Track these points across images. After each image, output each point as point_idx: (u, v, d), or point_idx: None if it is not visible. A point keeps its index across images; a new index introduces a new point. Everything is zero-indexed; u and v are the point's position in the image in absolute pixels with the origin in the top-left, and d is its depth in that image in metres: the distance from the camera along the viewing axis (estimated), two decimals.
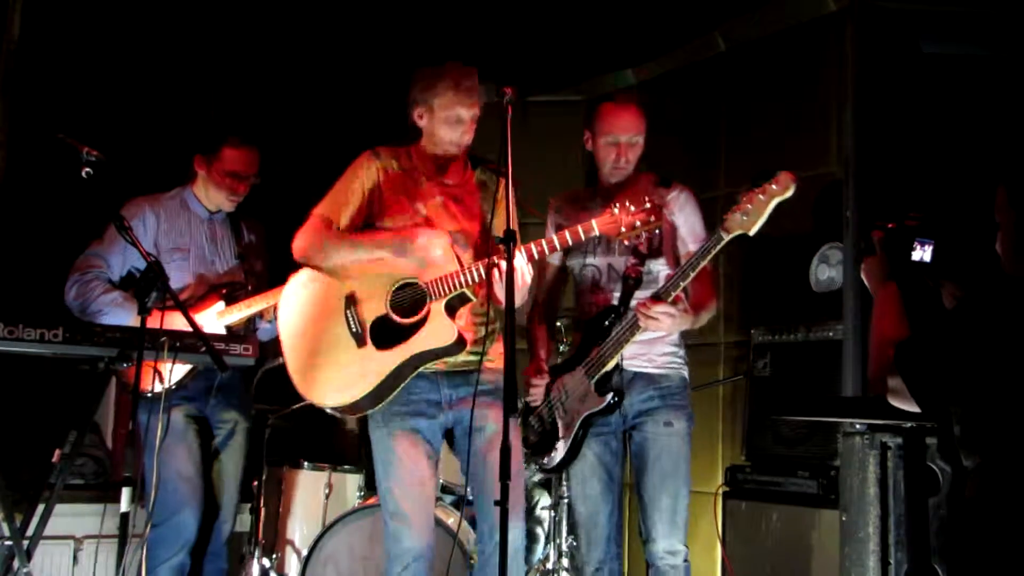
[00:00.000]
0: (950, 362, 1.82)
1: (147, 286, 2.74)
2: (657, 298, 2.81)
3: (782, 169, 2.67)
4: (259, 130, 3.74)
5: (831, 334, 3.37)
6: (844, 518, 2.95)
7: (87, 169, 2.67)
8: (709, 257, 2.78)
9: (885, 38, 3.07)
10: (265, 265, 3.55)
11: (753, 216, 2.68)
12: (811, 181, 4.00)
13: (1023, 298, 1.82)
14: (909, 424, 2.58)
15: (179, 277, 3.23)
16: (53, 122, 3.17)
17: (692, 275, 2.80)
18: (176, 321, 2.90)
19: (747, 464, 3.63)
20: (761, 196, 2.67)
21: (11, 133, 4.07)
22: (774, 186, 2.66)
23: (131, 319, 3.03)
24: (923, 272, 2.15)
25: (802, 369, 3.49)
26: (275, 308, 3.29)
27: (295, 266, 3.39)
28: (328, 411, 2.81)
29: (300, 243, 2.83)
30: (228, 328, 3.26)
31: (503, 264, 2.50)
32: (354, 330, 2.74)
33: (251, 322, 3.38)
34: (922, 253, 2.15)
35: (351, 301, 2.77)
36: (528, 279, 2.66)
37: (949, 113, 3.16)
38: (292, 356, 2.81)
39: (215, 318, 3.24)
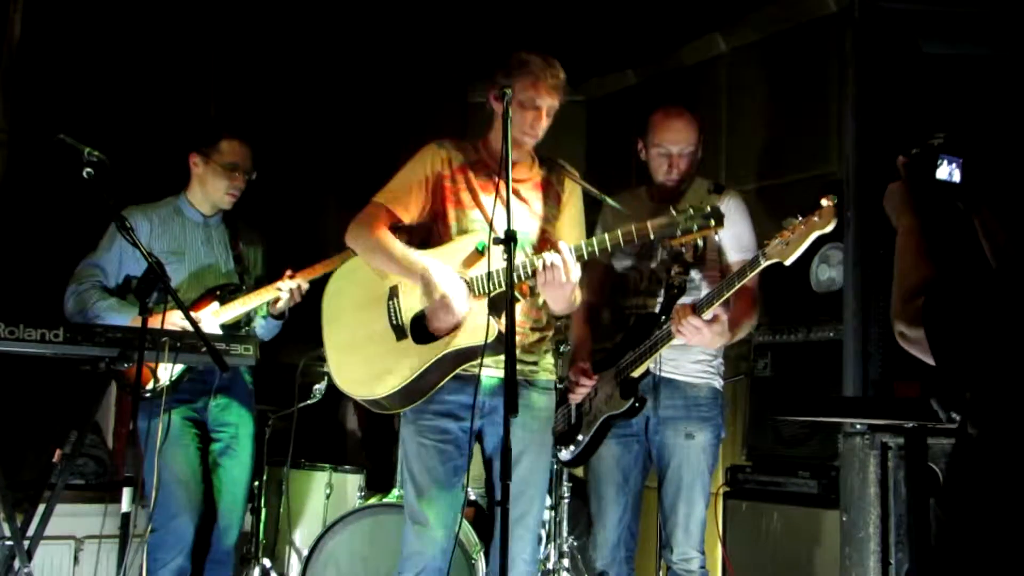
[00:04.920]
0: (984, 335, 1.65)
1: (148, 287, 2.74)
2: (694, 310, 2.80)
3: (824, 199, 2.68)
4: (258, 129, 3.75)
5: (831, 334, 3.37)
6: (844, 518, 2.94)
7: (88, 169, 2.66)
8: (745, 279, 2.78)
9: (886, 38, 3.07)
10: (264, 265, 3.56)
11: (792, 246, 2.69)
12: (811, 181, 4.03)
13: None
14: (910, 424, 2.58)
15: (174, 280, 3.22)
16: (54, 122, 3.18)
17: (727, 294, 2.80)
18: (175, 321, 2.92)
19: (748, 464, 3.63)
20: (803, 227, 2.67)
21: (12, 133, 4.08)
22: (816, 218, 2.67)
23: (128, 323, 3.05)
24: (951, 194, 1.92)
25: (802, 369, 3.49)
26: (273, 303, 3.32)
27: (293, 265, 3.40)
28: (361, 402, 2.75)
29: (352, 232, 2.72)
30: (223, 327, 3.26)
31: (564, 252, 2.49)
32: (395, 323, 2.67)
33: (247, 322, 3.37)
34: (949, 170, 1.92)
35: (394, 293, 2.69)
36: (576, 277, 2.57)
37: (950, 113, 3.16)
38: (331, 340, 2.74)
39: (211, 317, 3.25)
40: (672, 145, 3.03)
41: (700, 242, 2.98)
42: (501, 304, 2.57)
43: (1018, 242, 1.76)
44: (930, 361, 1.74)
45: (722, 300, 2.82)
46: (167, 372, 3.12)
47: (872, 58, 3.04)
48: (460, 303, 2.56)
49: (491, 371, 2.61)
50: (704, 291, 2.95)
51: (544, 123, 2.74)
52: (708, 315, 2.81)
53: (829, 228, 2.67)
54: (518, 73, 2.68)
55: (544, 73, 2.68)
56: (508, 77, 2.69)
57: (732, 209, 3.02)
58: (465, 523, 3.57)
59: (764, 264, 2.74)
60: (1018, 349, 1.61)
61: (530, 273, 2.57)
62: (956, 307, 1.69)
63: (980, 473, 1.66)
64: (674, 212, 2.58)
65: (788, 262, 2.72)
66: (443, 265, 2.61)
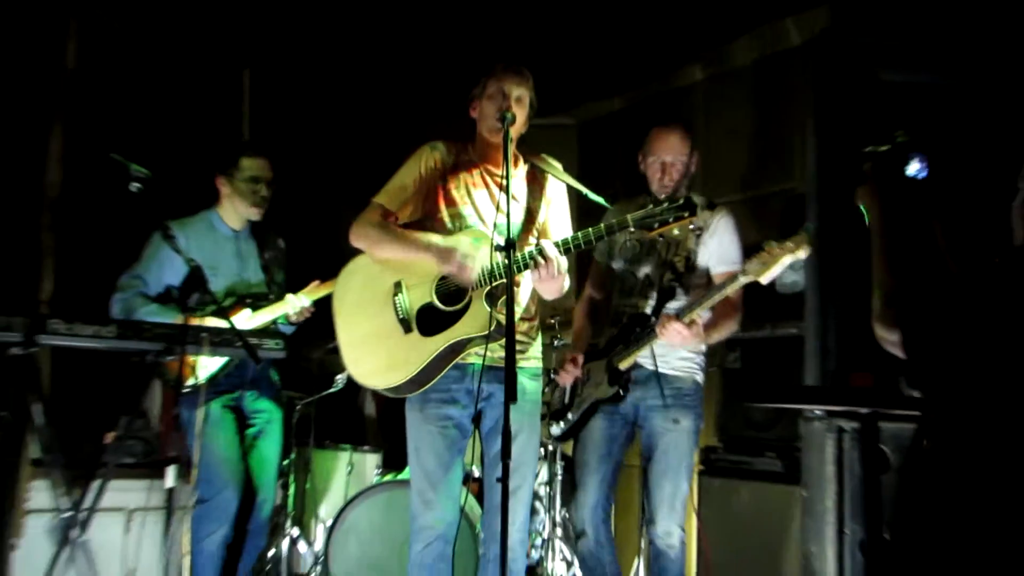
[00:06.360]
0: (951, 348, 1.63)
1: (189, 288, 2.74)
2: (677, 316, 2.80)
3: (802, 229, 2.65)
4: (286, 149, 3.72)
5: (794, 331, 3.35)
6: (805, 493, 2.93)
7: (135, 184, 2.65)
8: (725, 292, 2.76)
9: (845, 68, 3.05)
10: (286, 275, 3.51)
11: (767, 267, 2.69)
12: (777, 195, 4.02)
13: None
14: (864, 411, 2.57)
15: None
16: (105, 141, 3.17)
17: (707, 303, 2.78)
18: (211, 323, 2.91)
19: (720, 445, 3.62)
20: (778, 250, 2.67)
21: (67, 151, 4.07)
22: (790, 244, 2.67)
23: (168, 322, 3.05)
24: (918, 190, 1.82)
25: (768, 362, 3.48)
26: (300, 311, 3.29)
27: (314, 275, 3.38)
28: (377, 391, 2.70)
29: (356, 231, 2.63)
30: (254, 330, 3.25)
31: (547, 250, 2.43)
32: (401, 317, 2.58)
33: (274, 325, 3.36)
34: (918, 167, 1.82)
35: (399, 288, 2.61)
36: (564, 269, 2.49)
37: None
38: (344, 337, 2.66)
39: (245, 322, 3.24)
40: (666, 155, 3.03)
41: (693, 253, 2.99)
42: (498, 296, 2.53)
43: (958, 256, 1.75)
44: (903, 357, 1.72)
45: (702, 308, 2.82)
46: (206, 371, 3.12)
47: (833, 85, 3.02)
48: (471, 253, 2.50)
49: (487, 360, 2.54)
50: (691, 297, 2.94)
51: (519, 111, 2.60)
52: (687, 319, 2.80)
53: (802, 255, 2.66)
54: (485, 79, 2.65)
55: (506, 70, 2.63)
56: (478, 88, 2.66)
57: (722, 226, 3.03)
58: (471, 497, 3.57)
59: (743, 280, 2.74)
60: (968, 349, 1.62)
61: (526, 265, 2.50)
62: (921, 317, 1.68)
63: (941, 447, 1.66)
64: (651, 205, 2.50)
65: (764, 280, 2.71)
66: (448, 238, 2.56)
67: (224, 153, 3.41)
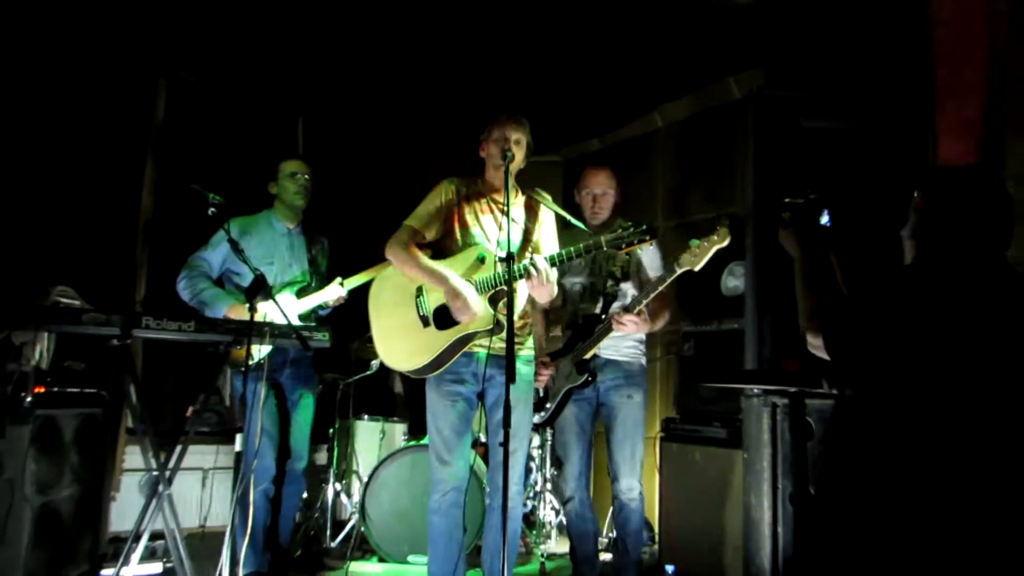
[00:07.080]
0: (861, 344, 1.68)
1: (254, 291, 2.74)
2: (627, 310, 2.83)
3: (718, 219, 2.68)
4: (330, 179, 3.71)
5: (736, 326, 3.37)
6: (746, 456, 2.93)
7: (212, 209, 2.67)
8: (665, 284, 2.78)
9: (775, 117, 3.08)
10: (328, 267, 3.51)
11: (699, 257, 2.69)
12: (722, 217, 4.03)
13: (922, 285, 1.67)
14: (793, 390, 2.58)
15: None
16: (187, 175, 3.18)
17: (652, 295, 2.80)
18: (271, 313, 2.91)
19: (677, 417, 3.63)
20: (705, 243, 2.67)
21: (157, 183, 4.10)
22: (715, 237, 2.67)
23: (224, 307, 3.05)
24: (827, 236, 1.90)
25: (716, 350, 3.50)
26: (337, 299, 3.26)
27: (353, 268, 3.38)
28: (401, 372, 2.71)
29: (390, 248, 2.64)
30: (300, 316, 3.24)
31: (539, 263, 2.45)
32: (421, 314, 2.60)
33: (316, 310, 3.36)
34: (828, 218, 1.93)
35: (421, 292, 2.63)
36: (554, 278, 2.52)
37: (821, 171, 3.16)
38: (377, 329, 2.68)
39: (292, 304, 3.23)
40: (595, 188, 3.04)
41: (629, 263, 3.02)
42: (499, 299, 2.56)
43: (851, 283, 1.83)
44: (827, 358, 1.78)
45: (649, 300, 2.83)
46: (258, 353, 3.12)
47: (765, 130, 3.05)
48: (475, 303, 2.53)
49: (490, 349, 2.58)
50: (630, 299, 2.97)
51: (518, 152, 2.61)
52: (636, 310, 2.83)
53: (726, 243, 2.69)
54: (491, 126, 2.69)
55: (508, 118, 2.67)
56: (485, 133, 2.70)
57: None
58: (478, 459, 3.58)
59: (679, 272, 2.75)
60: (873, 350, 1.67)
61: (522, 274, 2.52)
62: (838, 324, 1.74)
63: (852, 420, 1.71)
64: (620, 229, 2.51)
65: (697, 268, 2.72)
66: (459, 277, 2.57)
67: (270, 166, 3.42)
